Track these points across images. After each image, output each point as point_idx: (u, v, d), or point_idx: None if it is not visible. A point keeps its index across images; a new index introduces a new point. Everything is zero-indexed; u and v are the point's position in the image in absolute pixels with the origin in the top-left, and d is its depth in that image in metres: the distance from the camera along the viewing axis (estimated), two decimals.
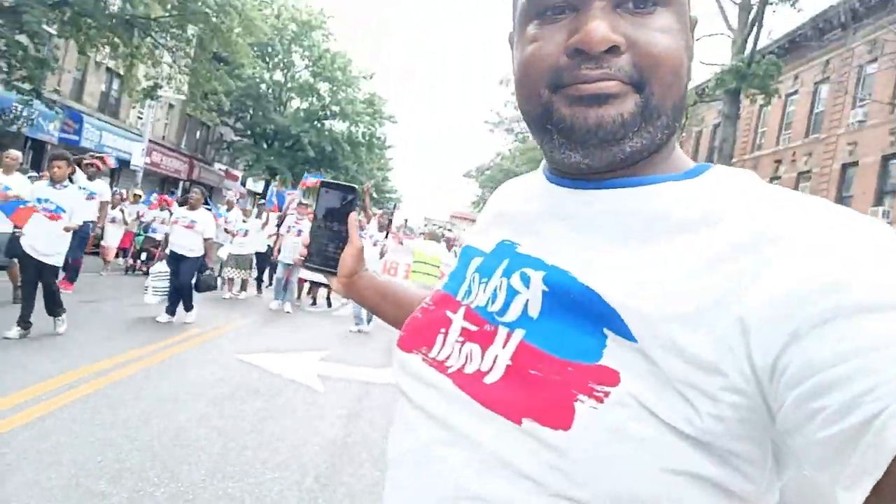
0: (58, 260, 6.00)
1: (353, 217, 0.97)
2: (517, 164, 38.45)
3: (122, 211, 11.96)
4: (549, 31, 0.60)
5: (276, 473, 3.56)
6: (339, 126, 38.28)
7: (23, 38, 12.91)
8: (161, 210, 12.74)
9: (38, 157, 22.27)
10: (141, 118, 26.97)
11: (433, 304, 0.76)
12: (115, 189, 21.53)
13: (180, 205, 9.52)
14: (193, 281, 7.99)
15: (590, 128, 0.58)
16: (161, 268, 7.83)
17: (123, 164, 25.91)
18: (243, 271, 11.24)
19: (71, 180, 6.77)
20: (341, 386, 5.96)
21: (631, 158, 0.60)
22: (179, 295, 7.85)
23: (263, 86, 34.24)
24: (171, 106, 29.69)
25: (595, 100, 0.57)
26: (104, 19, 14.20)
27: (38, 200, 5.95)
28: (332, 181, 0.98)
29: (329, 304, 12.22)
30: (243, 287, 11.46)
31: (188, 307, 7.99)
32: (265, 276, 12.88)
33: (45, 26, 12.59)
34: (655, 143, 0.60)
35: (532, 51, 0.61)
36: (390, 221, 10.16)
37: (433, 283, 9.16)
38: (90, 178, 9.50)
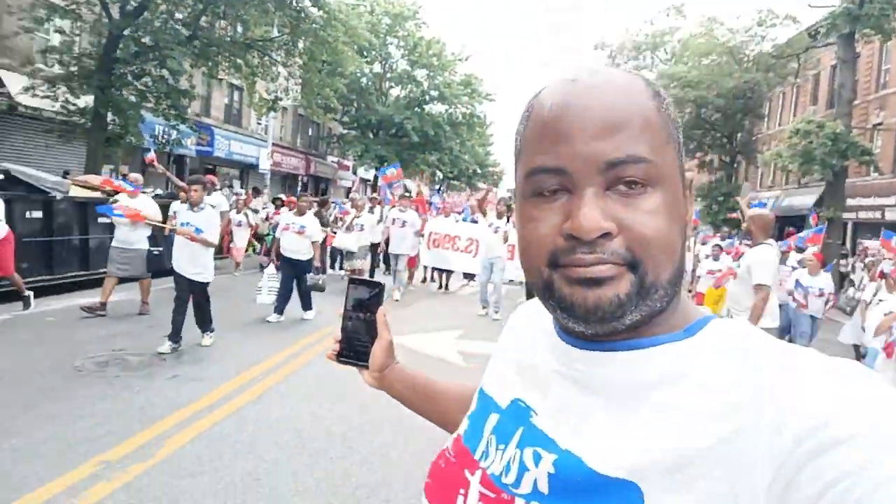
0: (205, 276, 6.50)
1: (382, 311, 1.01)
2: None
3: (246, 215, 12.93)
4: (546, 213, 0.62)
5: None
6: (438, 109, 39.26)
7: (164, 73, 14.78)
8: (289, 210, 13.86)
9: (180, 171, 24.92)
10: (260, 124, 29.27)
11: (454, 455, 0.77)
12: (242, 189, 23.71)
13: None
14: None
15: (588, 308, 0.60)
16: (272, 270, 8.51)
17: (251, 167, 28.39)
18: (363, 261, 11.94)
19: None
20: (481, 361, 6.88)
21: (632, 327, 0.62)
22: (288, 298, 8.30)
23: (364, 79, 35.70)
24: (284, 109, 31.77)
25: (591, 282, 0.60)
26: (227, 46, 15.86)
27: (182, 224, 6.44)
28: (358, 277, 1.02)
29: (446, 288, 13.02)
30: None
31: (307, 306, 8.56)
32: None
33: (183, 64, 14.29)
34: (655, 311, 0.62)
35: (531, 230, 0.64)
36: (509, 207, 10.74)
37: None
38: (207, 192, 10.74)
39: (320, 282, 8.73)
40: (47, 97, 13.79)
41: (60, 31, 14.61)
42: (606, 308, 0.60)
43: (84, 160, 14.72)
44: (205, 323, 6.65)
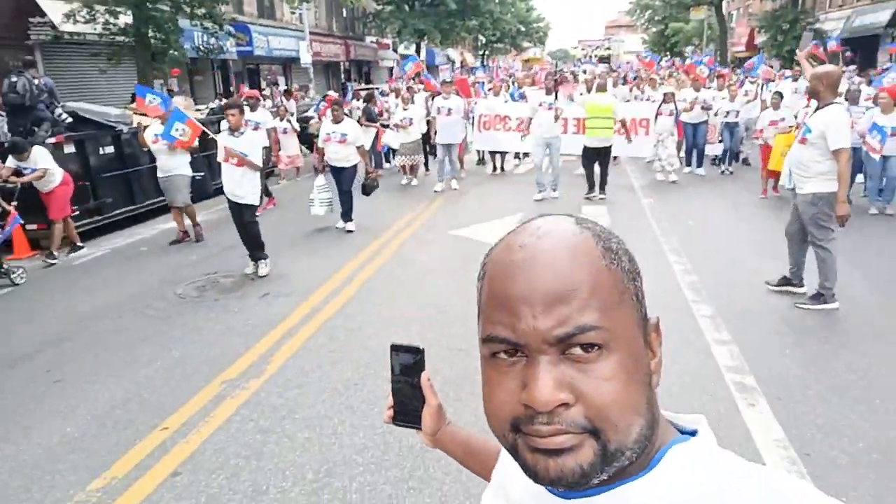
0: (253, 199, 6.54)
1: (426, 376, 1.02)
2: None
3: (289, 121, 12.31)
4: (504, 377, 0.62)
5: None
6: None
7: None
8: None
9: (224, 76, 25.03)
10: (294, 13, 28.49)
11: None
12: (287, 86, 23.55)
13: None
14: (356, 187, 8.47)
15: (552, 479, 0.60)
16: (321, 181, 8.35)
17: (293, 61, 28.06)
18: (414, 157, 11.81)
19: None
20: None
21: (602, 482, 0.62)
22: (341, 204, 8.37)
23: None
24: None
25: (552, 452, 0.59)
26: None
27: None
28: (399, 344, 1.02)
29: (502, 170, 12.79)
30: (413, 172, 11.91)
31: (348, 217, 8.47)
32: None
33: None
34: (625, 467, 0.62)
35: (490, 396, 0.64)
36: (556, 82, 10.45)
37: (609, 136, 9.15)
38: (252, 108, 10.27)
39: (375, 182, 8.67)
40: (88, 21, 13.91)
41: None
42: (569, 478, 0.59)
43: (135, 80, 15.05)
44: (257, 250, 6.64)
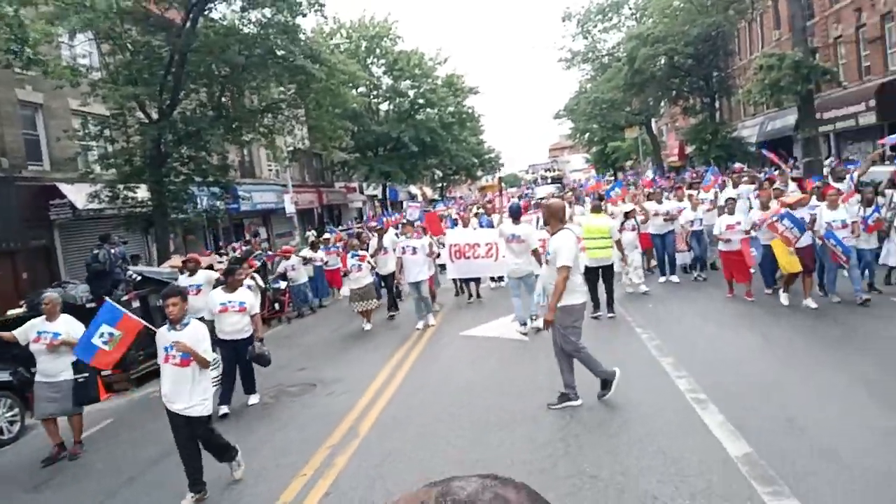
0: (205, 408, 5.16)
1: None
2: (602, 91, 39.30)
3: (253, 278, 11.38)
4: None
5: (540, 392, 6.60)
6: (429, 113, 41.04)
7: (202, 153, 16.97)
8: (286, 259, 14.69)
9: (214, 232, 27.18)
10: (271, 170, 31.47)
11: None
12: (268, 235, 25.47)
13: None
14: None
15: None
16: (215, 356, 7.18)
17: (272, 212, 30.66)
18: (370, 301, 11.47)
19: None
20: (536, 334, 8.98)
21: None
22: (242, 379, 7.64)
23: (354, 104, 37.59)
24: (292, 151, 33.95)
25: None
26: (247, 115, 17.99)
27: (166, 349, 5.11)
28: None
29: (478, 296, 13.05)
30: (367, 316, 11.60)
31: (252, 390, 7.75)
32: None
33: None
34: None
35: None
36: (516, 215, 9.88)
37: (609, 256, 10.28)
38: (191, 273, 9.63)
39: (266, 353, 7.58)
40: (113, 199, 15.92)
41: (110, 140, 16.76)
42: None
43: (144, 244, 16.87)
44: (225, 452, 5.36)
